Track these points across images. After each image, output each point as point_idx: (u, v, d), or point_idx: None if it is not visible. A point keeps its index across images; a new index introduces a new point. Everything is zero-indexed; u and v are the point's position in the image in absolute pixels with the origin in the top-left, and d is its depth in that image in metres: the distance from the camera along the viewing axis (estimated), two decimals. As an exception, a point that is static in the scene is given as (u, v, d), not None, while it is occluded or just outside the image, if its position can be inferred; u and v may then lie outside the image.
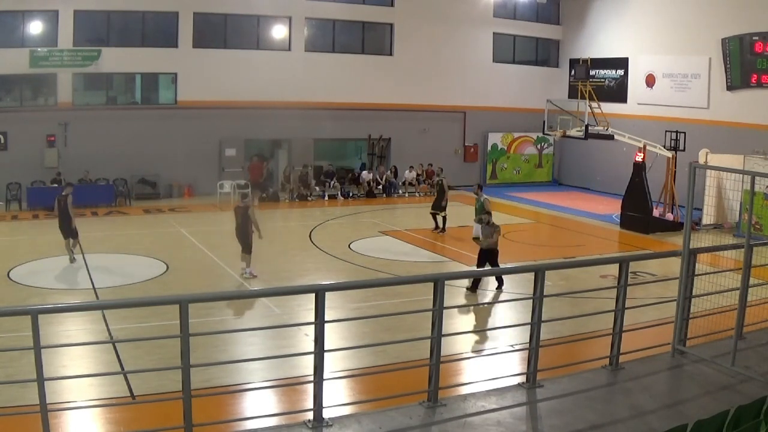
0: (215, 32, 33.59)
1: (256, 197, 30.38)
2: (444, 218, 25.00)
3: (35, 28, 30.94)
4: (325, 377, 7.05)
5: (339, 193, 33.51)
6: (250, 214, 18.48)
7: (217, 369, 11.07)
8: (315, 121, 34.17)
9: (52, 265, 19.70)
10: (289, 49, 34.67)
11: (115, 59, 31.41)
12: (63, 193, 20.41)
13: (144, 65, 32.41)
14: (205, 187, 32.55)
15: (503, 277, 17.67)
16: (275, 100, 33.17)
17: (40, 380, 6.14)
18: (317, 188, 33.33)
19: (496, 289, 17.67)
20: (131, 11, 31.79)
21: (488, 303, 17.21)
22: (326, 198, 32.94)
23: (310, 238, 24.04)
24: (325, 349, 7.01)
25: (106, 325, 14.06)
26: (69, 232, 19.99)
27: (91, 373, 11.48)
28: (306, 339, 12.56)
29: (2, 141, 30.56)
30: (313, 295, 7.00)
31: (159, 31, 32.75)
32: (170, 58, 32.52)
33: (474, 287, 17.27)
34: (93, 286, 17.35)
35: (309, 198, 32.56)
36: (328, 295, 7.03)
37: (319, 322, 6.92)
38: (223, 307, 15.42)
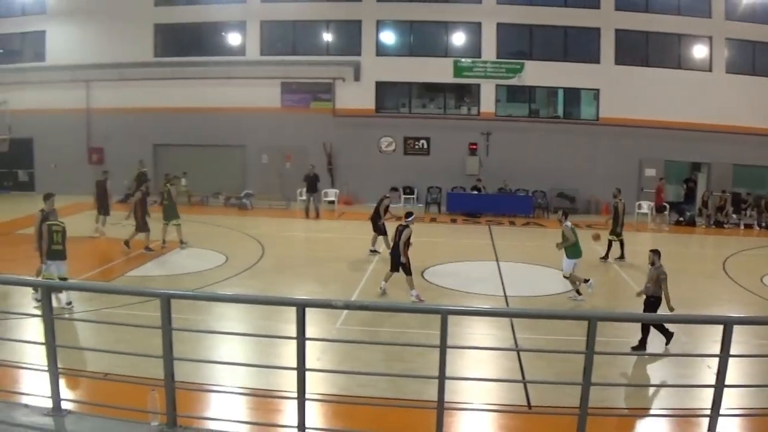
0: (637, 49, 33.17)
1: (663, 221, 29.24)
2: (621, 244, 22.64)
3: (459, 39, 33.03)
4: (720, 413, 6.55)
5: (756, 222, 31.24)
6: (404, 234, 16.73)
7: (614, 390, 10.88)
8: (736, 145, 32.41)
9: (466, 268, 20.64)
10: (710, 70, 33.11)
11: (537, 73, 32.34)
12: (386, 195, 23.18)
13: (566, 80, 32.90)
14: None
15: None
16: (695, 121, 32.01)
17: (441, 378, 6.34)
18: (734, 216, 31.38)
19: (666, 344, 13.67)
20: (553, 26, 32.48)
21: None
22: (742, 227, 30.84)
23: (723, 268, 22.37)
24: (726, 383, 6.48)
25: (513, 333, 14.25)
26: (376, 228, 21.82)
27: (491, 378, 11.78)
28: (708, 371, 11.69)
29: (425, 146, 32.95)
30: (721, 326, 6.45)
31: (581, 46, 33.06)
32: (592, 74, 32.64)
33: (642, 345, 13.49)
34: (504, 293, 17.78)
35: (725, 225, 30.60)
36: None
37: (724, 355, 6.42)
38: (633, 327, 14.85)
